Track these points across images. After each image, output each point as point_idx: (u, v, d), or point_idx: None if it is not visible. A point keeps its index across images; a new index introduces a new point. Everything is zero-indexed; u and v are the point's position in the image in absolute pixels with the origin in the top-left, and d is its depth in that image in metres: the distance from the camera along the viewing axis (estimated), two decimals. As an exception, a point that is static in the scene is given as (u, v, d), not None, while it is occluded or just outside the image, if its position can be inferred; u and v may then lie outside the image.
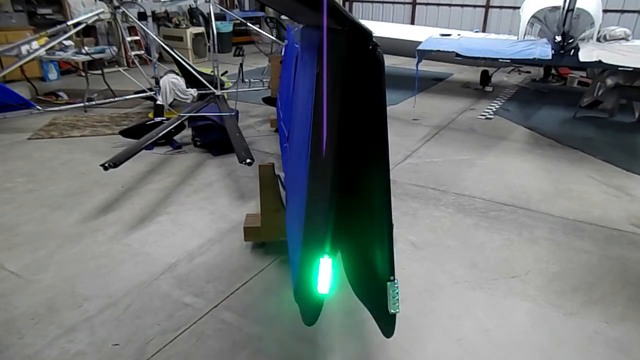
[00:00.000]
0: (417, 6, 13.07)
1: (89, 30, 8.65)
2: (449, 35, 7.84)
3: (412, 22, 13.05)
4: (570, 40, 6.28)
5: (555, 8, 6.67)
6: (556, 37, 6.30)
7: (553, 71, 9.59)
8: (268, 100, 6.46)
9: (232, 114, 5.33)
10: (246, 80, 6.80)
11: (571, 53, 6.29)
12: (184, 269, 3.07)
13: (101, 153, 4.86)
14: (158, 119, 5.40)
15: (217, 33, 6.29)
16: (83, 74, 7.40)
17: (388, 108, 1.58)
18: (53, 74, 8.67)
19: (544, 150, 5.48)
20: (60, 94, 7.26)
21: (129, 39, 7.22)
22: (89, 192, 4.14)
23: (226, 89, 6.58)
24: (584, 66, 7.43)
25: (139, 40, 8.73)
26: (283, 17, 8.85)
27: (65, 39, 6.63)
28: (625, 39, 7.14)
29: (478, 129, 6.31)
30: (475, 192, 4.32)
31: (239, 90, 6.45)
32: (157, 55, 6.45)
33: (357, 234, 2.04)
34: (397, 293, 1.72)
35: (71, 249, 3.27)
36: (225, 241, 3.41)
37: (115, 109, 6.76)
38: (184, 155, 5.13)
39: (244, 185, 4.34)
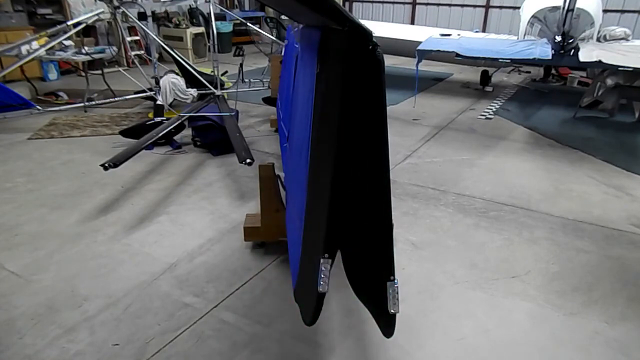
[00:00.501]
0: (417, 6, 13.07)
1: (89, 30, 8.65)
2: (449, 35, 7.84)
3: (412, 22, 13.05)
4: (570, 40, 6.28)
5: (555, 8, 6.67)
6: (556, 37, 6.31)
7: (553, 71, 9.59)
8: (268, 100, 6.46)
9: (232, 114, 5.33)
10: (246, 80, 6.80)
11: (571, 53, 6.29)
12: (184, 269, 3.07)
13: (101, 153, 4.86)
14: (158, 119, 5.40)
15: (217, 33, 6.29)
16: (83, 74, 7.39)
17: (388, 108, 1.58)
18: (53, 74, 8.67)
19: (544, 150, 5.48)
20: (60, 94, 7.26)
21: (129, 39, 7.23)
22: (89, 192, 4.14)
23: (226, 89, 6.58)
24: (584, 66, 7.43)
25: (139, 40, 8.74)
26: (283, 17, 8.84)
27: (65, 39, 6.63)
28: (625, 39, 7.14)
29: (478, 129, 6.31)
30: (475, 192, 4.32)
31: (239, 90, 6.45)
32: (157, 55, 6.45)
33: (357, 234, 2.04)
34: (397, 293, 1.72)
35: (71, 249, 3.27)
36: (225, 241, 3.42)
37: (115, 109, 6.76)
38: (184, 155, 5.13)
39: (244, 185, 4.34)
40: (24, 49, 6.32)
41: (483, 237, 3.55)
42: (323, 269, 1.65)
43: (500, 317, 2.70)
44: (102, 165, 3.63)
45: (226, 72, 7.06)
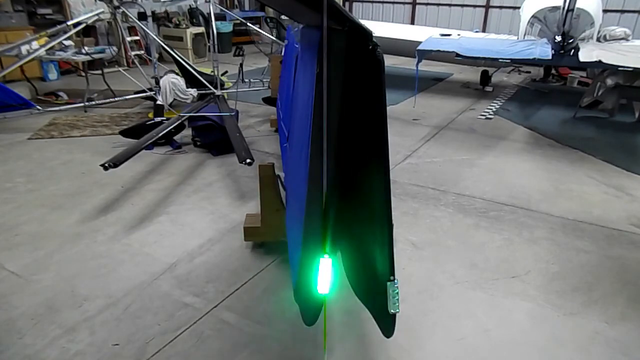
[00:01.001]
0: (417, 6, 13.07)
1: (89, 30, 8.65)
2: (449, 35, 7.84)
3: (412, 22, 13.05)
4: (570, 40, 6.28)
5: (555, 8, 6.67)
6: (556, 37, 6.30)
7: (553, 71, 9.59)
8: (268, 100, 6.46)
9: (232, 114, 5.32)
10: (246, 80, 6.80)
11: (571, 53, 6.29)
12: (184, 269, 3.07)
13: (101, 153, 4.86)
14: (158, 119, 5.40)
15: (217, 33, 6.29)
16: (83, 74, 7.39)
17: (388, 108, 1.58)
18: (53, 74, 8.66)
19: (544, 150, 5.48)
20: (60, 94, 7.26)
21: (129, 39, 7.23)
22: (89, 192, 4.14)
23: (226, 89, 6.58)
24: (584, 66, 7.43)
25: (139, 40, 8.74)
26: (283, 17, 8.85)
27: (65, 39, 6.63)
28: (625, 39, 7.14)
29: (478, 129, 6.31)
30: (475, 192, 4.32)
31: (239, 90, 6.45)
32: (157, 55, 6.46)
33: (357, 234, 2.04)
34: (397, 293, 1.72)
35: (71, 249, 3.27)
36: (225, 241, 3.41)
37: (115, 109, 6.76)
38: (184, 155, 5.13)
39: (244, 185, 4.34)
40: (24, 49, 6.32)
41: (483, 237, 3.55)
42: (323, 269, 1.65)
43: (500, 317, 2.70)
44: (102, 165, 3.63)
45: (226, 72, 7.06)
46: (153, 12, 6.54)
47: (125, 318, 2.60)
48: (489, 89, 8.63)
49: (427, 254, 3.32)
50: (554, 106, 7.56)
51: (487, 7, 12.16)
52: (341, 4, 11.77)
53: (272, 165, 2.98)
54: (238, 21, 9.61)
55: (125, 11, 6.01)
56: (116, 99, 6.75)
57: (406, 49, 7.42)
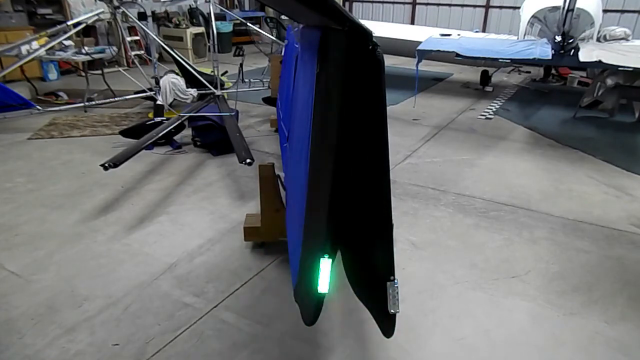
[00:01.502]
0: (417, 6, 13.07)
1: (89, 30, 8.65)
2: (449, 35, 7.84)
3: (412, 22, 13.05)
4: (570, 40, 6.28)
5: (555, 8, 6.67)
6: (556, 37, 6.30)
7: (553, 71, 9.59)
8: (268, 100, 6.46)
9: (232, 114, 5.33)
10: (246, 80, 6.80)
11: (571, 53, 6.28)
12: (184, 269, 3.07)
13: (101, 153, 4.86)
14: (158, 119, 5.40)
15: (217, 33, 6.29)
16: (83, 74, 7.40)
17: (388, 108, 1.58)
18: (53, 74, 8.67)
19: (544, 150, 5.48)
20: (60, 94, 7.26)
21: (129, 39, 7.22)
22: (89, 192, 4.14)
23: (226, 89, 6.58)
24: (584, 66, 7.43)
25: (139, 40, 8.74)
26: (283, 17, 8.85)
27: (65, 39, 6.63)
28: (625, 39, 7.14)
29: (478, 129, 6.31)
30: (475, 192, 4.32)
31: (239, 90, 6.45)
32: (157, 55, 6.45)
33: (357, 234, 2.04)
34: (397, 293, 1.72)
35: (71, 249, 3.27)
36: (225, 241, 3.41)
37: (115, 109, 6.76)
38: (184, 155, 5.13)
39: (244, 185, 4.34)
40: (24, 49, 6.32)
41: (483, 237, 3.55)
42: (323, 269, 1.65)
43: (500, 317, 2.70)
44: (102, 165, 3.63)
45: (226, 72, 7.06)
46: (153, 12, 6.53)
47: (125, 318, 2.60)
48: (489, 89, 8.63)
49: (427, 254, 3.32)
50: (554, 106, 7.56)
51: (487, 7, 12.17)
52: (341, 4, 11.79)
53: (272, 165, 2.98)
54: (238, 21, 9.61)
55: (125, 11, 6.01)
56: (116, 99, 6.75)
57: (406, 49, 7.42)
